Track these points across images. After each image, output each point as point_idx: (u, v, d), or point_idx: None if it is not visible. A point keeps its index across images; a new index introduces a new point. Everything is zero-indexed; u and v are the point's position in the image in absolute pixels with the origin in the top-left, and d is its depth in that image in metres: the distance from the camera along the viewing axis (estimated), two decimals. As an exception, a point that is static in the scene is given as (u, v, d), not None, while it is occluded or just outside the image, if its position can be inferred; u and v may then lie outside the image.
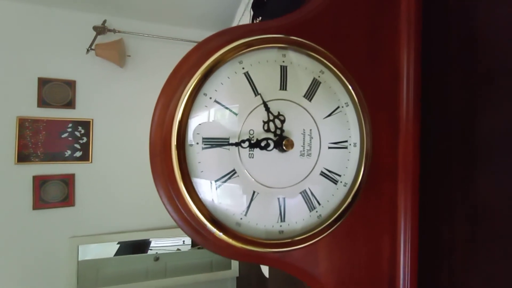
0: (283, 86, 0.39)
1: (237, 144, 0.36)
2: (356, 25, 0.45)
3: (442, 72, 0.49)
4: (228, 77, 0.37)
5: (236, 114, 0.37)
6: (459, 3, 0.46)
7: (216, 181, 0.36)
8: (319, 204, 0.41)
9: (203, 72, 0.34)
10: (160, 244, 2.24)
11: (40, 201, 1.86)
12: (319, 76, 0.41)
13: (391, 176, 0.47)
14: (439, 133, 0.49)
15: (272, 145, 0.38)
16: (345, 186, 0.43)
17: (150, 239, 2.20)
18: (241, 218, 0.37)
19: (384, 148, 0.46)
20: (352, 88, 0.42)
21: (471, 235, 0.43)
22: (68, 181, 1.93)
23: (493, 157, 0.40)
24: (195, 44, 0.36)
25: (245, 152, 0.37)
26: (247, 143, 0.37)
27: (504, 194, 0.39)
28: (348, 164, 0.43)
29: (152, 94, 2.04)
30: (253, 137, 0.37)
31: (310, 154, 0.41)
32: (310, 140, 0.40)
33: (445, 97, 0.48)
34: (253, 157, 0.38)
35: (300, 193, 0.40)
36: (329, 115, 0.42)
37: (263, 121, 0.38)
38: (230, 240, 0.35)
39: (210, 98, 0.36)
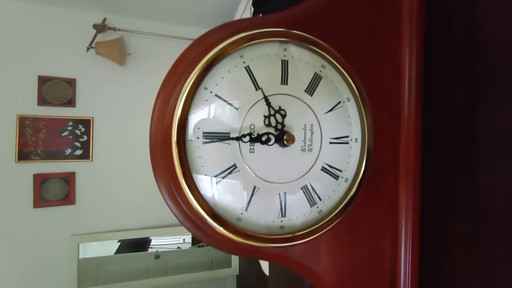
0: (284, 80, 0.39)
1: (238, 139, 0.36)
2: (358, 21, 0.45)
3: (443, 71, 0.48)
4: (229, 71, 0.36)
5: (237, 109, 0.37)
6: (460, 2, 0.46)
7: (216, 176, 0.36)
8: (320, 199, 0.41)
9: (203, 66, 0.34)
10: (161, 242, 2.24)
11: (40, 199, 1.86)
12: (320, 71, 0.41)
13: (392, 174, 0.47)
14: (440, 132, 0.49)
15: (273, 139, 0.38)
16: (346, 181, 0.43)
17: (151, 237, 2.20)
18: (241, 213, 0.37)
19: (385, 145, 0.46)
20: (354, 83, 0.41)
21: (471, 234, 0.43)
22: (68, 179, 1.93)
23: (494, 157, 0.40)
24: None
25: (246, 146, 0.37)
26: (248, 138, 0.36)
27: (505, 194, 0.39)
28: (349, 159, 0.43)
29: (152, 93, 2.03)
30: (254, 131, 0.37)
31: (311, 149, 0.40)
32: (311, 135, 0.40)
33: (446, 96, 0.48)
34: (254, 152, 0.37)
35: (301, 188, 0.40)
36: (330, 110, 0.41)
37: (264, 116, 0.38)
38: (230, 235, 0.35)
39: (211, 92, 0.36)
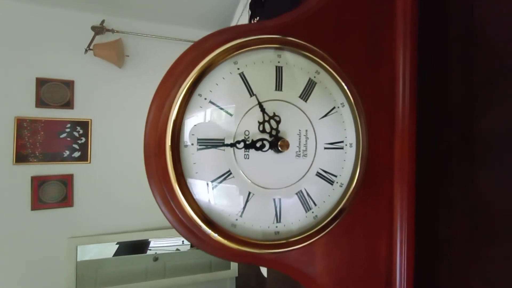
0: (279, 86, 0.39)
1: (232, 145, 0.36)
2: (353, 25, 0.45)
3: (442, 71, 0.49)
4: (223, 78, 0.36)
5: (231, 115, 0.37)
6: (458, 2, 0.46)
7: (211, 182, 0.36)
8: (315, 204, 0.41)
9: (197, 73, 0.34)
10: (159, 244, 2.24)
11: (38, 202, 1.86)
12: (314, 77, 0.41)
13: (388, 176, 0.47)
14: (438, 132, 0.49)
15: (267, 145, 0.38)
16: (341, 186, 0.43)
17: (149, 239, 2.20)
18: (236, 219, 0.37)
19: (380, 148, 0.46)
20: (348, 89, 0.41)
21: (469, 235, 0.43)
22: (66, 181, 1.93)
23: (493, 157, 0.40)
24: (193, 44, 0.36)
25: (240, 153, 0.37)
26: (242, 144, 0.37)
27: (503, 194, 0.39)
28: (344, 164, 0.43)
29: (150, 94, 2.01)
30: (248, 137, 0.37)
31: (306, 154, 0.40)
32: (306, 140, 0.40)
33: (445, 96, 0.48)
34: (248, 158, 0.38)
35: (296, 193, 0.40)
36: (325, 115, 0.41)
37: (259, 122, 0.38)
38: (225, 241, 0.35)
39: (205, 98, 0.36)
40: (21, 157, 1.83)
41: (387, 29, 0.47)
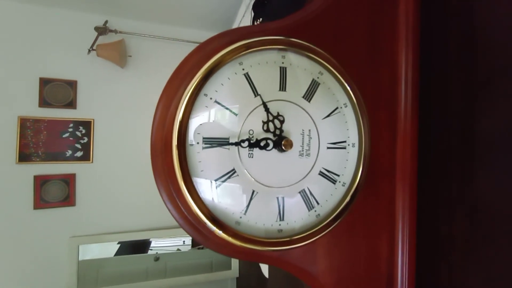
0: (283, 87, 0.39)
1: (237, 144, 0.37)
2: (356, 26, 0.46)
3: (442, 72, 0.49)
4: (228, 78, 0.37)
5: (236, 115, 0.37)
6: (459, 3, 0.46)
7: (216, 180, 0.37)
8: (317, 203, 0.42)
9: (203, 73, 0.35)
10: (160, 244, 2.24)
11: (41, 201, 1.87)
12: (318, 77, 0.42)
13: (389, 176, 0.48)
14: (439, 133, 0.49)
15: (271, 145, 0.38)
16: (344, 185, 0.43)
17: (150, 239, 2.21)
18: (240, 217, 0.38)
19: (382, 148, 0.47)
20: (351, 89, 0.42)
21: (470, 235, 0.44)
22: (68, 181, 1.94)
23: (493, 157, 0.41)
24: (196, 44, 0.36)
25: (244, 152, 0.38)
26: (246, 143, 0.37)
27: (503, 194, 0.39)
28: (347, 164, 0.43)
29: (153, 95, 2.05)
30: (252, 137, 0.38)
31: (309, 154, 0.41)
32: (309, 140, 0.41)
33: (445, 97, 0.48)
34: (252, 157, 0.38)
35: (299, 192, 0.41)
36: (328, 115, 0.42)
37: (263, 121, 0.38)
38: (229, 239, 0.36)
39: (211, 98, 0.36)
40: (24, 157, 1.84)
41: (389, 30, 0.48)
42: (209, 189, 0.37)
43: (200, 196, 0.36)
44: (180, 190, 0.35)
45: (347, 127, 0.43)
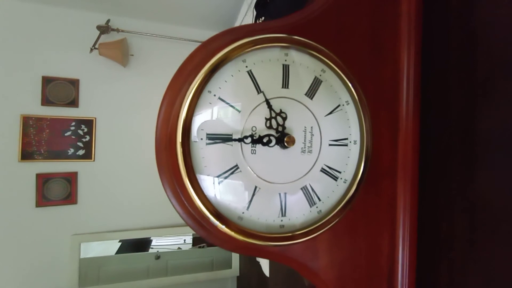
0: (285, 84, 0.40)
1: (240, 140, 0.37)
2: (358, 25, 0.46)
3: (443, 71, 0.49)
4: (232, 75, 0.38)
5: (239, 111, 0.38)
6: (460, 3, 0.47)
7: (219, 176, 0.37)
8: (319, 200, 0.42)
9: (207, 70, 0.36)
10: (161, 242, 2.25)
11: (43, 199, 1.88)
12: (320, 75, 0.42)
13: (391, 173, 0.48)
14: (439, 131, 0.50)
15: (274, 141, 0.39)
16: (345, 182, 0.44)
17: (152, 238, 2.21)
18: (243, 212, 0.38)
19: (384, 145, 0.47)
20: (353, 87, 0.43)
21: (470, 234, 0.44)
22: (71, 179, 1.95)
23: (493, 156, 0.41)
24: (198, 43, 0.37)
25: (247, 148, 0.38)
26: (249, 139, 0.38)
27: (504, 193, 0.39)
28: (348, 161, 0.44)
29: (154, 94, 2.06)
30: (255, 133, 0.38)
31: (311, 151, 0.42)
32: (311, 137, 0.41)
33: (446, 96, 0.49)
34: (255, 153, 0.39)
35: (301, 189, 0.41)
36: (330, 113, 0.43)
37: (266, 118, 0.39)
38: (232, 233, 0.37)
39: (214, 95, 0.37)
40: (26, 155, 1.85)
41: (391, 29, 0.48)
42: (212, 185, 0.37)
43: (204, 191, 0.36)
44: (184, 185, 0.36)
45: (349, 124, 0.44)
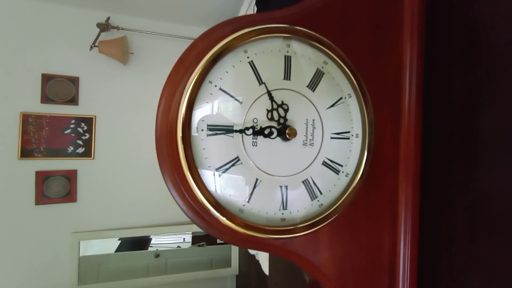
0: (287, 76, 0.40)
1: (241, 131, 0.37)
2: (361, 18, 0.46)
3: (444, 70, 0.49)
4: (233, 66, 0.37)
5: (240, 102, 0.38)
6: (461, 2, 0.46)
7: (220, 167, 0.37)
8: (320, 193, 0.42)
9: (208, 60, 0.35)
10: (161, 241, 2.25)
11: (42, 197, 1.87)
12: (322, 67, 0.42)
13: (393, 168, 0.48)
14: (441, 128, 0.49)
15: (275, 133, 0.38)
16: (347, 176, 0.44)
17: (151, 236, 2.21)
18: (244, 205, 0.38)
19: (386, 141, 0.47)
20: (355, 80, 0.42)
21: (471, 230, 0.44)
22: (70, 177, 1.94)
23: (494, 154, 0.41)
24: (199, 38, 0.36)
25: (248, 139, 0.38)
26: (251, 131, 0.37)
27: (505, 190, 0.39)
28: (350, 154, 0.44)
29: (154, 92, 2.05)
30: (257, 125, 0.38)
31: (313, 143, 0.41)
32: (313, 130, 0.41)
33: (446, 95, 0.49)
34: (256, 145, 0.38)
35: (302, 182, 0.41)
36: (332, 105, 0.42)
37: (267, 110, 0.39)
38: (233, 226, 0.36)
39: (215, 86, 0.36)
40: (26, 152, 1.84)
41: (394, 23, 0.48)
42: (213, 177, 0.37)
43: (204, 183, 0.36)
44: (184, 177, 0.35)
45: (351, 117, 0.43)
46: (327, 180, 0.42)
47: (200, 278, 2.16)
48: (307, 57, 0.41)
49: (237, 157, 0.38)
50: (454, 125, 0.47)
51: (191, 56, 0.36)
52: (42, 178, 1.88)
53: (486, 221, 0.42)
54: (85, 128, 1.99)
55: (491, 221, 0.41)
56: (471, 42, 0.45)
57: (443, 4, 0.49)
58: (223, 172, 0.37)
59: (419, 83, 0.48)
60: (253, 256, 1.75)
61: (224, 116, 0.37)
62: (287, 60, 0.39)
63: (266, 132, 0.38)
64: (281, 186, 0.40)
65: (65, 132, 1.94)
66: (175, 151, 0.35)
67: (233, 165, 0.37)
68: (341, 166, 0.43)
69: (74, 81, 1.96)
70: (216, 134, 0.37)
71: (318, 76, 0.41)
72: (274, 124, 0.39)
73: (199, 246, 2.32)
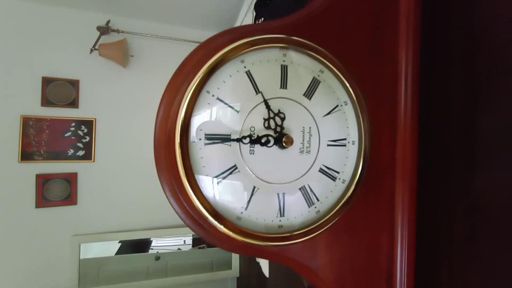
0: (284, 84, 0.40)
1: (239, 140, 0.38)
2: (356, 25, 0.46)
3: (443, 71, 0.50)
4: (230, 76, 0.38)
5: (237, 112, 0.38)
6: (461, 2, 0.47)
7: (217, 176, 0.37)
8: (317, 200, 0.42)
9: (206, 70, 0.36)
10: (161, 243, 2.25)
11: (42, 200, 1.88)
12: (318, 76, 0.42)
13: (389, 172, 0.48)
14: (439, 130, 0.50)
15: (272, 141, 0.39)
16: (344, 183, 0.44)
17: (151, 239, 2.21)
18: (241, 212, 0.38)
19: (382, 145, 0.47)
20: (351, 87, 0.43)
21: (469, 232, 0.44)
22: (70, 179, 1.95)
23: (493, 155, 0.41)
24: (198, 44, 0.37)
25: (246, 148, 0.38)
26: (248, 139, 0.38)
27: (503, 192, 0.39)
28: (347, 161, 0.44)
29: (154, 94, 2.06)
30: (254, 133, 0.38)
31: (309, 151, 0.42)
32: (310, 137, 0.42)
33: (446, 95, 0.49)
34: (253, 153, 0.39)
35: (299, 189, 0.41)
36: (328, 113, 0.43)
37: (264, 119, 0.39)
38: (230, 233, 0.37)
39: (213, 95, 0.37)
40: (26, 155, 1.85)
41: (390, 29, 0.48)
42: (210, 185, 0.37)
43: (202, 191, 0.37)
44: (182, 185, 0.36)
45: (347, 124, 0.44)
46: (324, 187, 0.43)
47: (200, 280, 2.16)
48: (303, 66, 0.41)
49: (235, 165, 0.38)
50: (454, 125, 0.47)
51: (189, 66, 0.36)
52: (43, 181, 1.89)
53: (485, 222, 0.42)
54: (85, 130, 1.99)
55: (490, 221, 0.41)
56: (471, 42, 0.45)
57: (443, 4, 0.50)
58: (221, 180, 0.37)
59: (415, 88, 0.48)
60: (254, 258, 1.75)
61: (221, 125, 0.38)
62: (284, 69, 0.40)
63: (263, 140, 0.38)
64: (278, 194, 0.40)
65: (65, 135, 1.95)
66: (173, 160, 0.35)
67: (230, 173, 0.38)
68: (338, 173, 0.44)
69: (74, 84, 1.97)
70: (214, 143, 0.37)
71: (314, 85, 0.42)
72: (271, 132, 0.39)
73: (199, 248, 2.33)
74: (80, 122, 1.98)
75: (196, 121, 0.36)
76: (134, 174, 2.08)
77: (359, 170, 0.44)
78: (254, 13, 1.00)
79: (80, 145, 1.98)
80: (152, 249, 2.22)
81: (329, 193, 0.43)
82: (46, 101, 1.90)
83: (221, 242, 0.38)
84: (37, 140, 1.88)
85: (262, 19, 0.94)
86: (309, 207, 0.42)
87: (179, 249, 2.29)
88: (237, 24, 2.02)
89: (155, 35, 2.09)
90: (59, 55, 1.95)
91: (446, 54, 0.49)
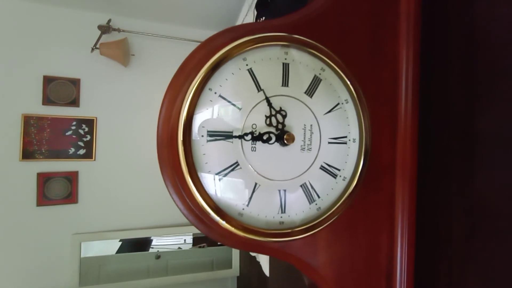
0: (285, 82, 0.40)
1: (240, 137, 0.38)
2: (357, 25, 0.47)
3: (443, 71, 0.50)
4: (233, 73, 0.38)
5: (239, 109, 0.38)
6: (460, 2, 0.47)
7: (219, 172, 0.38)
8: (318, 197, 0.43)
9: (208, 68, 0.36)
10: (162, 242, 2.26)
11: (43, 198, 1.88)
12: (320, 74, 0.43)
13: (389, 172, 0.48)
14: (439, 130, 0.50)
15: (273, 138, 0.39)
16: (344, 180, 0.44)
17: (152, 237, 2.22)
18: (243, 209, 0.39)
19: (382, 144, 0.48)
20: (352, 86, 0.43)
21: (469, 232, 0.44)
22: (71, 178, 1.95)
23: (493, 155, 0.41)
24: (199, 43, 0.37)
25: (248, 145, 0.39)
26: (250, 136, 0.38)
27: (503, 192, 0.40)
28: (348, 159, 0.44)
29: (155, 93, 2.07)
30: (255, 131, 0.39)
31: (311, 148, 0.42)
32: (311, 135, 0.42)
33: (446, 95, 0.49)
34: (255, 150, 0.39)
35: (301, 186, 0.42)
36: (329, 111, 0.43)
37: (266, 116, 0.39)
38: (232, 229, 0.37)
39: (215, 93, 0.37)
40: (27, 154, 1.86)
41: (391, 28, 0.48)
42: (213, 181, 0.38)
43: (204, 187, 0.37)
44: (185, 182, 0.36)
45: (348, 122, 0.44)
46: (325, 184, 0.43)
47: (201, 279, 2.17)
48: (304, 64, 0.42)
49: (237, 162, 0.38)
50: (454, 125, 0.48)
51: (191, 64, 0.37)
52: (44, 179, 1.89)
53: (485, 222, 0.42)
54: (86, 129, 2.00)
55: (490, 221, 0.41)
56: (471, 42, 0.45)
57: (443, 4, 0.50)
58: (223, 177, 0.38)
59: (415, 86, 0.49)
60: (254, 257, 1.75)
61: (223, 122, 0.38)
62: (285, 67, 0.40)
63: (265, 137, 0.39)
64: (279, 190, 0.41)
65: (66, 133, 1.95)
66: (176, 157, 0.36)
67: (232, 169, 0.38)
68: (339, 170, 0.44)
69: (75, 83, 1.98)
70: (216, 139, 0.38)
71: (315, 83, 0.42)
72: (273, 129, 0.40)
73: (200, 247, 2.33)
74: (81, 121, 1.99)
75: (199, 118, 0.37)
76: (135, 173, 2.09)
77: (360, 167, 0.44)
78: (255, 13, 1.00)
79: (81, 144, 1.98)
80: (152, 248, 2.22)
81: (330, 190, 0.44)
82: (47, 100, 1.91)
83: (223, 238, 0.38)
84: (38, 138, 1.88)
85: (263, 18, 0.95)
86: (310, 204, 0.42)
87: (179, 248, 2.29)
88: (238, 23, 2.02)
89: (156, 35, 2.09)
90: (60, 54, 1.95)
91: (446, 54, 0.50)
